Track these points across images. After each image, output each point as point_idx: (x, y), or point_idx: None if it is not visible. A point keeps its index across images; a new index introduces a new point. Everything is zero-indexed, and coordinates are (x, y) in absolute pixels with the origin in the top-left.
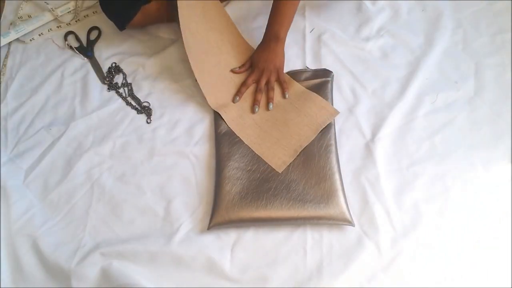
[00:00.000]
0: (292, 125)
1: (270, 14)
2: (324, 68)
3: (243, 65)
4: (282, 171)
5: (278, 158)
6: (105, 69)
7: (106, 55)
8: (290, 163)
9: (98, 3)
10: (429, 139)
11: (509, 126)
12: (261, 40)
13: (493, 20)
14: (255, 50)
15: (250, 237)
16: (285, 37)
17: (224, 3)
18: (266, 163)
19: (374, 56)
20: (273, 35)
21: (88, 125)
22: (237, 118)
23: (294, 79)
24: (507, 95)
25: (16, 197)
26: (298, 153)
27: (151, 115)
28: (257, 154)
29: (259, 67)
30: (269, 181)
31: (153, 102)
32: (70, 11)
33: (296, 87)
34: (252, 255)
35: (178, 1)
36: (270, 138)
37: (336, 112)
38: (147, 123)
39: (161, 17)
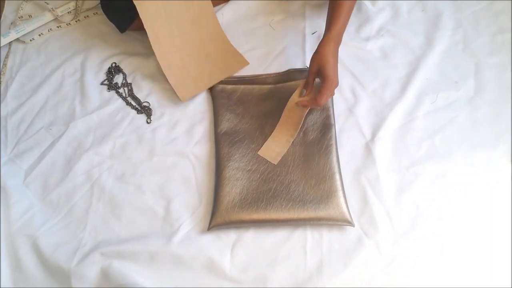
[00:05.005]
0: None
1: (332, 15)
2: None
3: (308, 82)
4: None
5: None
6: (105, 69)
7: (106, 55)
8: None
9: (99, 5)
10: (429, 139)
11: (509, 126)
12: (322, 40)
13: (493, 20)
14: (322, 55)
15: (250, 237)
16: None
17: (224, 2)
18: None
19: (374, 56)
20: (339, 39)
21: (88, 125)
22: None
23: (293, 78)
24: (507, 95)
25: (16, 197)
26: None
27: (151, 115)
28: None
29: (334, 81)
30: (269, 181)
31: (153, 102)
32: (70, 11)
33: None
34: (252, 255)
35: (135, 1)
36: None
37: (246, 63)
38: (147, 123)
39: None
